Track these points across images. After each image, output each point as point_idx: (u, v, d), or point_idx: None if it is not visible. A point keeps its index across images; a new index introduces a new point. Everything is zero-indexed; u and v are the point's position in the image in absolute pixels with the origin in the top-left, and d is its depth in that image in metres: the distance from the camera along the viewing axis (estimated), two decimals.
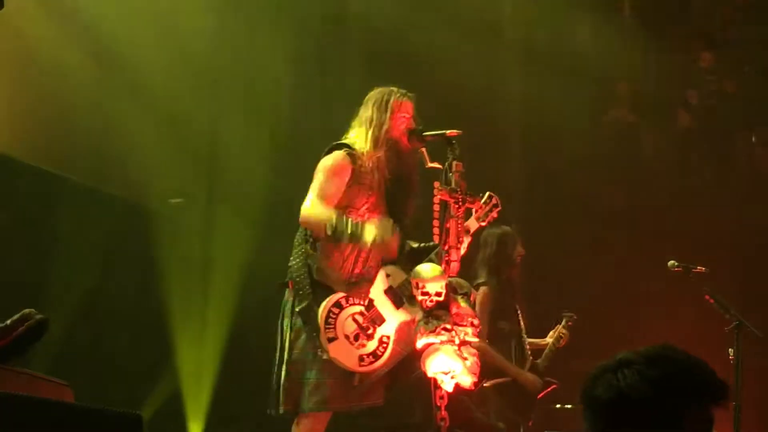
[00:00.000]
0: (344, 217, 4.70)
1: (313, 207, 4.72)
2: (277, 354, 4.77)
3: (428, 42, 7.85)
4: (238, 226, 7.42)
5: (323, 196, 4.75)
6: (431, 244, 4.85)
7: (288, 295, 4.80)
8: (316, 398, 4.64)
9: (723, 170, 7.98)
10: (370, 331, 4.67)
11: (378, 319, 4.71)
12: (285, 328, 4.75)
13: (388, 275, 4.79)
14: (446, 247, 4.62)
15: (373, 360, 4.66)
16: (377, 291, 4.75)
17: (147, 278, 7.17)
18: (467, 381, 4.44)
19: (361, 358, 4.65)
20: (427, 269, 4.56)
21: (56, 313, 6.44)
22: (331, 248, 4.75)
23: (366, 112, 4.93)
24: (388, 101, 4.90)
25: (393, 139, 4.86)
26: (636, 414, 2.04)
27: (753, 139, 7.98)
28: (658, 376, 2.05)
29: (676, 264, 5.94)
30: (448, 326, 4.45)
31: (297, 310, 4.70)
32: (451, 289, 4.54)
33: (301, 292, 4.69)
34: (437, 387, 4.46)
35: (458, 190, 4.66)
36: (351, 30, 7.83)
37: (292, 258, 4.81)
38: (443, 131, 4.80)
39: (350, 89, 7.22)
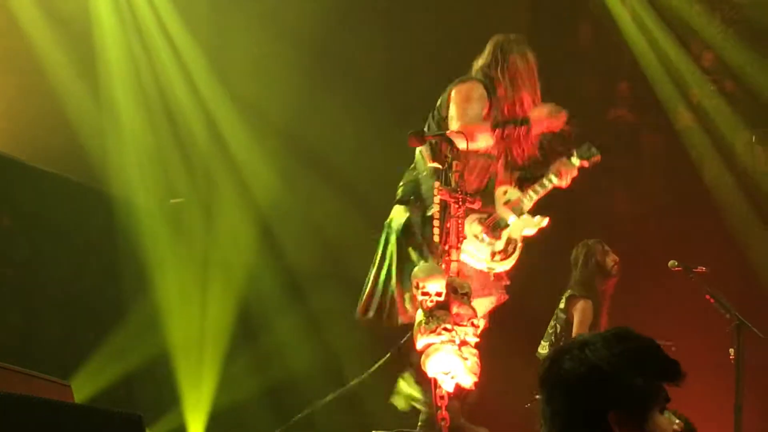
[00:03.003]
0: None
1: None
2: (394, 265, 4.87)
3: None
4: (239, 225, 7.42)
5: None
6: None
7: (403, 213, 4.90)
8: None
9: (723, 170, 7.96)
10: (496, 233, 4.88)
11: (501, 224, 4.91)
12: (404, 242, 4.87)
13: (504, 192, 5.04)
14: (446, 247, 4.61)
15: (504, 257, 4.90)
16: (497, 204, 5.00)
17: (145, 276, 7.17)
18: (467, 381, 4.44)
19: (492, 255, 4.87)
20: (426, 269, 4.56)
21: (54, 309, 6.48)
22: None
23: None
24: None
25: None
26: (593, 390, 2.12)
27: (753, 138, 7.96)
28: (613, 354, 2.14)
29: (677, 264, 5.93)
30: (449, 326, 4.44)
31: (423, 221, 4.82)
32: (451, 289, 4.53)
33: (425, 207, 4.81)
34: (437, 387, 4.46)
35: (458, 190, 4.64)
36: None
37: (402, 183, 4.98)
38: (443, 131, 4.79)
39: (353, 89, 7.23)
